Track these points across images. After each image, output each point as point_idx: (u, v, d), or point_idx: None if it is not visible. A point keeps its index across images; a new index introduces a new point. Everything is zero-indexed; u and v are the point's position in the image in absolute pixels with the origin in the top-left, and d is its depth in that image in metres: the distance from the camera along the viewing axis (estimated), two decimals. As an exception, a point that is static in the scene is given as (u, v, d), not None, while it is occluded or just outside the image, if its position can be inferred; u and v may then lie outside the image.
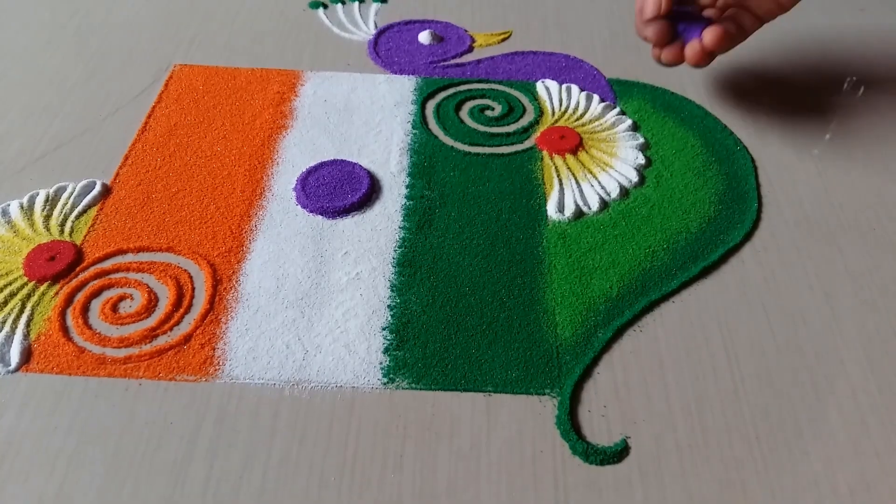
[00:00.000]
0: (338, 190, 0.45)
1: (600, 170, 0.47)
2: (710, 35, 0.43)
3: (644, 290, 0.40)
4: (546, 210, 0.44)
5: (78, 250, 0.41)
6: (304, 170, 0.46)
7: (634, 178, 0.46)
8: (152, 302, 0.38)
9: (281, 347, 0.37)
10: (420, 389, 0.35)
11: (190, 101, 0.51)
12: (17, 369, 0.35)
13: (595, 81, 0.54)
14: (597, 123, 0.50)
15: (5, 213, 0.43)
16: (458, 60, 0.56)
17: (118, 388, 0.35)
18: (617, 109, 0.51)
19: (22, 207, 0.43)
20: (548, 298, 0.40)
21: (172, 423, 0.34)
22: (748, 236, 0.43)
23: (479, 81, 0.54)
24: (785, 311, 0.40)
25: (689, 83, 0.54)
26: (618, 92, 0.53)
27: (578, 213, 0.44)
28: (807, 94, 0.51)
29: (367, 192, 0.45)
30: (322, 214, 0.44)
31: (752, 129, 0.51)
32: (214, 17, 0.59)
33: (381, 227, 0.43)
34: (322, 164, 0.46)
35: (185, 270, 0.40)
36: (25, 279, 0.39)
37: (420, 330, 0.38)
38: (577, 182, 0.46)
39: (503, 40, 0.58)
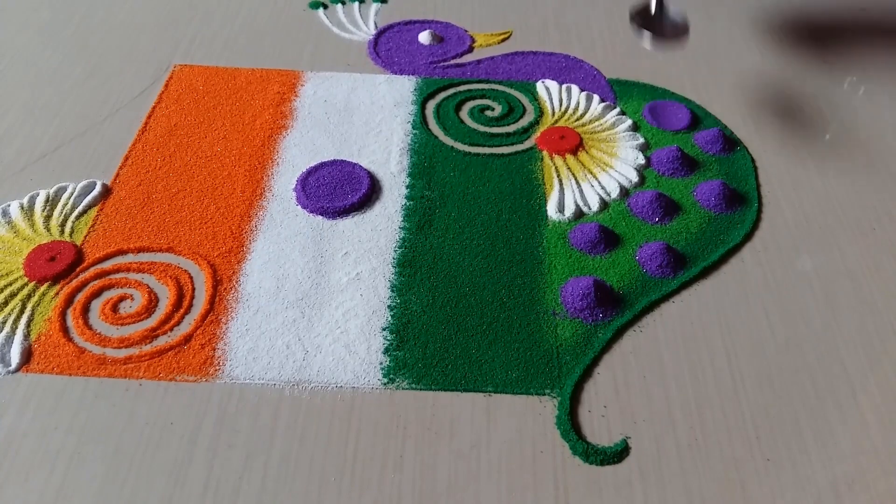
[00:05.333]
0: (338, 190, 0.45)
1: (600, 170, 0.47)
2: None
3: (644, 290, 0.40)
4: (546, 210, 0.44)
5: (78, 251, 0.41)
6: (304, 170, 0.46)
7: (634, 178, 0.46)
8: (152, 302, 0.38)
9: (281, 348, 0.37)
10: (420, 389, 0.35)
11: (190, 101, 0.51)
12: (17, 369, 0.35)
13: (595, 81, 0.54)
14: (597, 124, 0.50)
15: (5, 213, 0.43)
16: (458, 60, 0.56)
17: (118, 389, 0.35)
18: (617, 109, 0.51)
19: (22, 208, 0.43)
20: (548, 299, 0.40)
21: (172, 423, 0.34)
22: (748, 236, 0.43)
23: (480, 82, 0.54)
24: (785, 311, 0.40)
25: (689, 83, 0.54)
26: (618, 92, 0.53)
27: (578, 213, 0.44)
28: (806, 94, 0.51)
29: (367, 192, 0.45)
30: (322, 215, 0.44)
31: (752, 129, 0.51)
32: (214, 17, 0.59)
33: (381, 227, 0.43)
34: (322, 165, 0.46)
35: (186, 271, 0.40)
36: (26, 279, 0.39)
37: (420, 330, 0.38)
38: (578, 182, 0.46)
39: (503, 40, 0.58)
